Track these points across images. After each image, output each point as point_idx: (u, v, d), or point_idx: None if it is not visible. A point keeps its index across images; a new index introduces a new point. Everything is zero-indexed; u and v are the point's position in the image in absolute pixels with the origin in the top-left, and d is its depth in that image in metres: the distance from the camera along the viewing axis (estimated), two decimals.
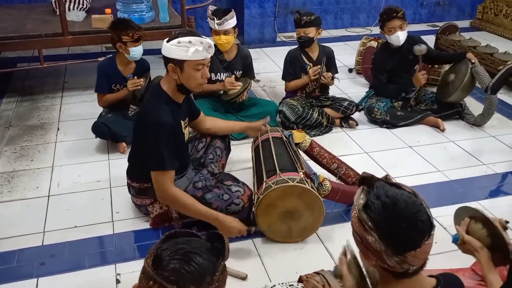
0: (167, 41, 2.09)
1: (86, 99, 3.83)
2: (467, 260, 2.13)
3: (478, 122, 3.51)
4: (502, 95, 3.89)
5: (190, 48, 2.04)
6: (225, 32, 3.17)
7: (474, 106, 3.75)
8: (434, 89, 3.71)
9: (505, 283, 1.42)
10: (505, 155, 3.17)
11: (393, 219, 1.07)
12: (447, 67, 3.76)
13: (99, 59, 3.65)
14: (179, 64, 2.09)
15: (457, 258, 2.11)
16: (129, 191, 2.42)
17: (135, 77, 3.10)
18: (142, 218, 2.44)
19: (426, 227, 1.08)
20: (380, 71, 3.57)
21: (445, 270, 1.80)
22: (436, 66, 3.96)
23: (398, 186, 1.14)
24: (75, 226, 2.38)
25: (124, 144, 3.05)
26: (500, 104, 3.61)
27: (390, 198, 1.09)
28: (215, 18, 3.12)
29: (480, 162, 3.08)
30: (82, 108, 3.69)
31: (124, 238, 2.32)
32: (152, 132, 2.11)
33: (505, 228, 1.56)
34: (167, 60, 2.12)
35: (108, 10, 3.74)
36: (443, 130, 3.45)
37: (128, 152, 2.46)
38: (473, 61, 3.41)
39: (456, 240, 1.65)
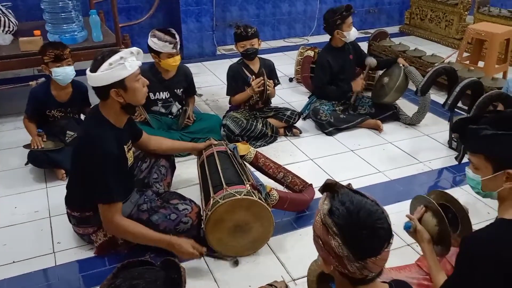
0: (93, 71, 1.98)
1: (20, 126, 3.60)
2: (412, 257, 2.23)
3: (413, 121, 3.70)
4: (432, 95, 4.10)
5: (126, 63, 1.97)
6: (177, 53, 3.14)
7: (408, 107, 3.94)
8: (370, 94, 3.88)
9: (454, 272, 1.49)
10: (439, 152, 3.36)
11: (357, 225, 1.10)
12: (380, 72, 3.94)
13: (31, 83, 3.49)
14: (120, 84, 2.00)
15: (402, 255, 2.20)
16: (70, 221, 2.31)
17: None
18: (85, 246, 2.33)
19: (386, 235, 1.13)
20: (324, 70, 3.64)
21: (391, 267, 1.86)
22: (370, 71, 4.14)
23: (361, 194, 1.18)
24: (13, 262, 2.24)
25: (62, 170, 2.91)
26: (431, 104, 3.81)
27: (354, 205, 1.12)
28: (174, 40, 3.05)
29: (417, 161, 3.24)
30: (16, 135, 3.50)
31: (67, 269, 2.20)
32: (99, 163, 2.01)
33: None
34: (106, 88, 2.00)
35: (37, 32, 3.58)
36: (381, 131, 3.60)
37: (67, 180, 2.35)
38: (404, 64, 3.67)
39: (408, 228, 1.79)
